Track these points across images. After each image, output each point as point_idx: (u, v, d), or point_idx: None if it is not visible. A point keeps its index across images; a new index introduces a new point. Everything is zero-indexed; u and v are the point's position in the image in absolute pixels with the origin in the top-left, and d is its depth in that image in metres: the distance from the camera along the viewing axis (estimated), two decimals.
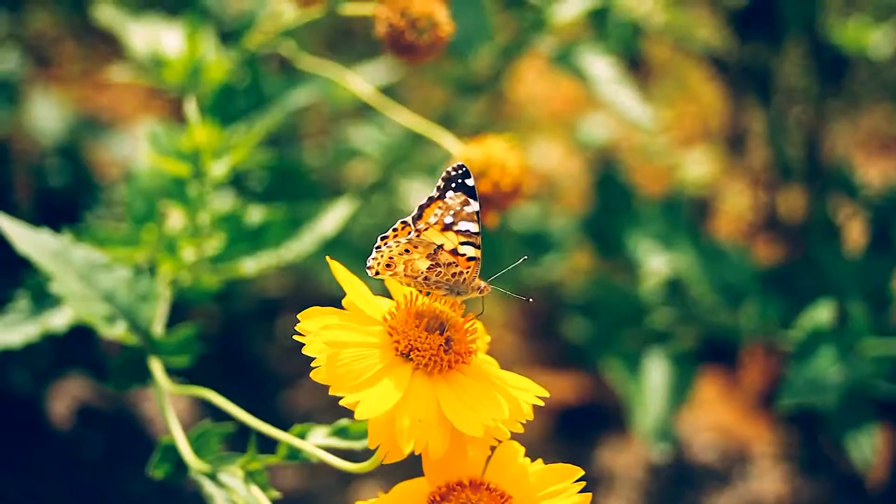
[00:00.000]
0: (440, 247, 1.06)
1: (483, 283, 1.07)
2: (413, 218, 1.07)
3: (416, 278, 1.06)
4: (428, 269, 1.06)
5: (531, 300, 1.15)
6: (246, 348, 2.59)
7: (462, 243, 1.06)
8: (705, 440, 2.50)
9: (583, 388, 2.61)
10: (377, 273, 1.07)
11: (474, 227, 1.06)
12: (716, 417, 2.55)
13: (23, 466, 2.28)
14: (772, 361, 2.58)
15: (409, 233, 1.06)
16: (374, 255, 1.06)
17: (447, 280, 1.06)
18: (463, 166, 1.08)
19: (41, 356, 2.27)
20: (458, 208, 1.07)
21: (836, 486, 2.40)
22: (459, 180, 1.07)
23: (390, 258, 1.06)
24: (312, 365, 0.93)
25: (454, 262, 1.06)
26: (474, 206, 1.07)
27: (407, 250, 1.06)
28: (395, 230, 1.07)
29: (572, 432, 2.51)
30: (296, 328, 0.96)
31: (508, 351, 2.56)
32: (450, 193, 1.07)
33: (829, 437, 2.37)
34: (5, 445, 2.30)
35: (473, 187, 1.07)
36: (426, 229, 1.06)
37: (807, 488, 2.40)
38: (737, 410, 2.57)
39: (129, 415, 2.42)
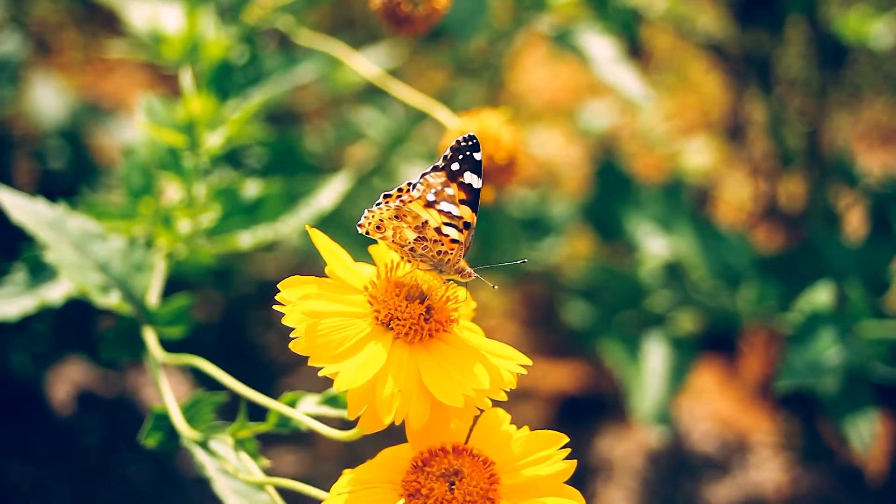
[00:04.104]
0: (426, 222, 1.04)
1: (468, 269, 1.05)
2: (414, 184, 1.05)
3: (403, 247, 1.05)
4: (415, 240, 1.04)
5: (495, 287, 1.12)
6: (244, 334, 2.59)
7: (445, 223, 1.04)
8: (704, 429, 2.50)
9: (582, 377, 2.60)
10: (367, 233, 1.05)
11: (455, 210, 1.04)
12: (715, 407, 2.55)
13: (23, 451, 2.28)
14: (770, 351, 2.58)
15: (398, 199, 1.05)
16: (366, 213, 1.05)
17: (432, 256, 1.05)
18: (473, 138, 1.05)
19: (41, 340, 2.27)
20: (439, 188, 1.04)
21: (835, 475, 2.40)
22: (468, 152, 1.05)
23: (380, 220, 1.04)
24: (291, 336, 0.93)
25: (439, 241, 1.04)
26: (473, 180, 1.05)
27: (397, 216, 1.04)
28: (399, 190, 1.05)
29: (572, 420, 2.50)
30: (276, 297, 0.96)
31: (508, 340, 2.56)
32: (433, 175, 1.05)
33: (828, 422, 2.36)
34: (5, 430, 2.30)
35: (480, 162, 1.05)
36: (411, 201, 1.04)
37: (806, 478, 2.40)
38: (736, 400, 2.56)
39: (129, 400, 2.42)
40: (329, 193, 1.58)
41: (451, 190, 1.04)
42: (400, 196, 1.04)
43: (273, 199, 1.55)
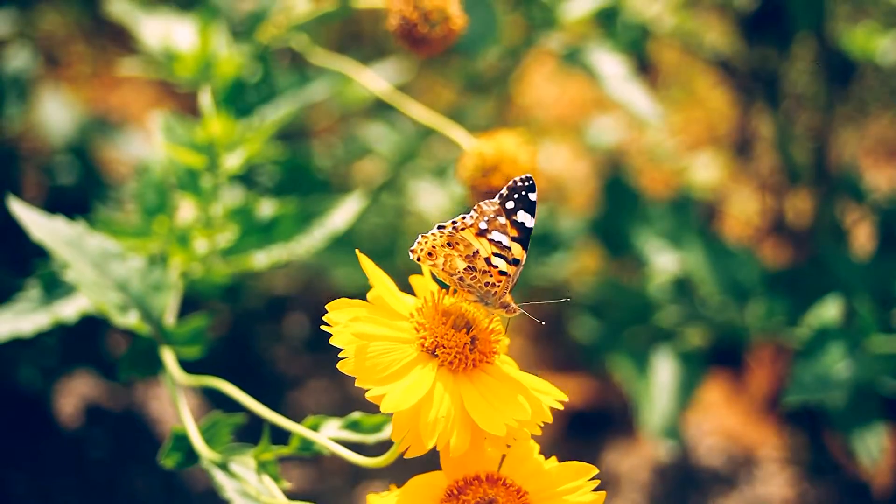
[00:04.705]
0: (476, 252, 1.05)
1: (513, 304, 1.06)
2: (468, 217, 1.07)
3: (452, 275, 1.06)
4: (465, 270, 1.06)
5: (543, 323, 1.14)
6: (252, 349, 2.59)
7: (494, 254, 1.05)
8: (711, 444, 2.50)
9: (590, 392, 2.61)
10: (419, 259, 1.07)
11: (506, 241, 1.05)
12: (722, 421, 2.55)
13: (30, 463, 2.28)
14: (777, 365, 2.58)
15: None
16: (419, 239, 1.06)
17: (479, 288, 1.06)
18: (531, 179, 1.07)
19: (49, 353, 2.27)
20: (492, 216, 1.06)
21: (841, 490, 2.40)
22: (523, 192, 1.07)
23: (433, 247, 1.06)
24: (340, 356, 0.94)
25: (488, 272, 1.05)
26: (526, 220, 1.06)
27: (449, 243, 1.06)
28: (454, 222, 1.06)
29: (579, 435, 2.51)
30: (323, 318, 0.97)
31: (516, 355, 2.54)
32: (488, 203, 1.06)
33: (836, 436, 2.37)
34: (13, 442, 2.30)
35: (535, 203, 1.06)
36: (463, 229, 1.05)
37: (813, 492, 2.40)
38: (743, 414, 2.57)
39: (137, 414, 2.42)
40: (342, 214, 1.58)
41: (503, 219, 1.06)
42: (454, 224, 1.05)
43: (287, 219, 1.55)
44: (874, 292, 2.11)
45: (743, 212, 2.90)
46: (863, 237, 2.56)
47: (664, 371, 2.22)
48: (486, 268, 1.05)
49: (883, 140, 3.11)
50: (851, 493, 2.40)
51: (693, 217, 2.37)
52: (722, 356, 2.53)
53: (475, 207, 1.06)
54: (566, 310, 2.56)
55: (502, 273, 1.05)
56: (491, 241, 1.05)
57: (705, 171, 2.84)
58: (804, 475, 2.43)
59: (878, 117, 2.98)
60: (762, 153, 2.77)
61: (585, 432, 2.52)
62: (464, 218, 1.06)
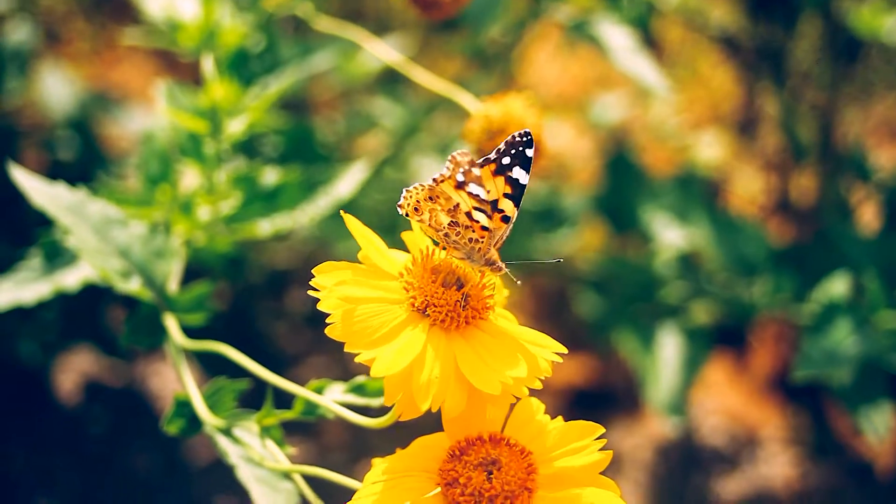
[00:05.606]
0: (458, 205, 1.02)
1: (499, 262, 1.02)
2: (445, 169, 1.03)
3: (438, 231, 1.03)
4: (449, 224, 1.02)
5: (519, 283, 1.10)
6: (252, 324, 2.58)
7: (475, 208, 1.02)
8: (714, 423, 2.50)
9: (592, 371, 2.60)
10: (407, 214, 1.03)
11: (483, 193, 1.01)
12: (725, 401, 2.54)
13: (29, 439, 2.27)
14: (780, 345, 2.57)
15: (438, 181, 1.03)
16: (404, 193, 1.03)
17: (464, 244, 1.02)
18: (528, 134, 1.03)
19: (49, 328, 2.26)
20: (466, 167, 1.01)
21: (844, 470, 2.39)
22: (520, 148, 1.02)
23: (417, 202, 1.02)
24: (327, 321, 0.91)
25: (470, 227, 1.02)
26: (521, 176, 1.02)
27: (430, 197, 1.02)
28: (434, 177, 1.02)
29: (581, 414, 2.50)
30: (310, 283, 0.94)
31: None
32: (461, 154, 1.02)
33: (842, 414, 2.36)
34: (12, 418, 2.29)
35: (531, 159, 1.03)
36: (442, 181, 1.02)
37: (815, 472, 2.39)
38: (746, 394, 2.56)
39: (136, 390, 2.41)
40: (347, 182, 1.56)
41: (477, 171, 1.02)
42: (434, 178, 1.02)
43: (292, 187, 1.54)
44: (881, 269, 2.10)
45: (747, 190, 2.89)
46: (868, 215, 2.55)
47: (670, 347, 2.21)
48: (468, 223, 1.01)
49: (887, 120, 3.10)
50: (854, 473, 2.40)
51: (699, 192, 2.36)
52: (724, 335, 2.53)
53: (449, 158, 1.02)
54: (570, 287, 2.55)
55: (484, 228, 1.01)
56: (469, 194, 1.01)
57: (709, 149, 2.83)
58: (807, 455, 2.43)
59: (883, 97, 2.97)
60: (767, 132, 2.76)
61: (588, 411, 2.51)
62: (443, 171, 1.02)
